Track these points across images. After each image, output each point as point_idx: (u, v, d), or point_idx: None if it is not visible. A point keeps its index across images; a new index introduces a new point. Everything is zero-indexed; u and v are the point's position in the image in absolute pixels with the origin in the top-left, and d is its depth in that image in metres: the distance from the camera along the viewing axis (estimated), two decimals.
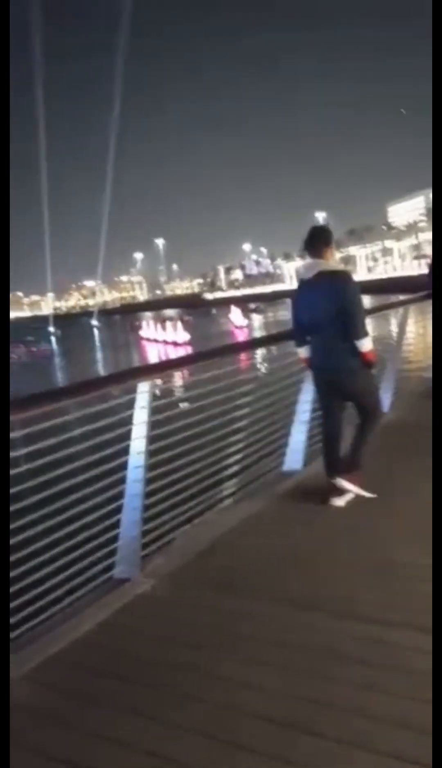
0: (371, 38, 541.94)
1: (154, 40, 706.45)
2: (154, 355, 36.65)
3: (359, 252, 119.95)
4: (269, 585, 3.12)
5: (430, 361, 6.83)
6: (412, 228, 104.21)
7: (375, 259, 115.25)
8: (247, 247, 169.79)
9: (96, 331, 77.68)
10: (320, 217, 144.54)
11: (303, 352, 4.30)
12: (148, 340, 45.41)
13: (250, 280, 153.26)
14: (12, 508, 2.71)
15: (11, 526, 2.60)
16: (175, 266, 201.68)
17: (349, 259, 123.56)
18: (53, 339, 69.40)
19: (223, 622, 2.81)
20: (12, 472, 2.61)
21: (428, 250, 79.45)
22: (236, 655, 2.54)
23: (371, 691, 2.20)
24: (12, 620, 2.68)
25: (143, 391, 3.37)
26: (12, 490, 2.70)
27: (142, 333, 48.86)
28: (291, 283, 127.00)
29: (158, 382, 3.68)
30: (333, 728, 2.04)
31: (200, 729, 2.12)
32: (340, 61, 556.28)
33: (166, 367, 4.02)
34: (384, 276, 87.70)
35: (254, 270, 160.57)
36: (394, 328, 7.79)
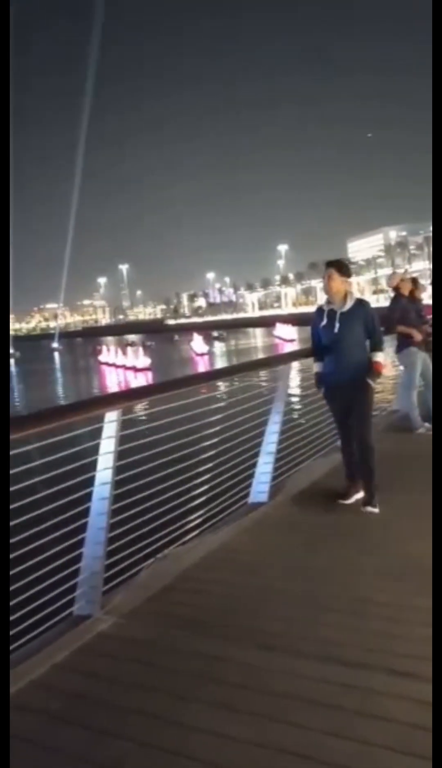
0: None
1: (125, 60, 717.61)
2: (113, 380, 36.19)
3: (319, 285, 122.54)
4: (235, 624, 3.02)
5: None
6: (371, 263, 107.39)
7: None
8: (211, 275, 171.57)
9: (57, 354, 76.40)
10: (283, 249, 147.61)
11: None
12: (107, 364, 44.93)
13: (213, 308, 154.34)
14: None
15: None
16: (139, 292, 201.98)
17: (310, 291, 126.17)
18: (12, 361, 67.91)
19: (185, 663, 2.69)
20: None
21: (384, 284, 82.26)
22: (197, 699, 2.42)
23: (342, 739, 2.10)
24: None
25: (111, 421, 3.26)
26: None
27: (102, 358, 48.36)
28: (253, 312, 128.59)
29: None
30: None
31: None
32: (312, 105, 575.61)
33: (136, 395, 3.90)
34: None
35: (217, 298, 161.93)
36: None
